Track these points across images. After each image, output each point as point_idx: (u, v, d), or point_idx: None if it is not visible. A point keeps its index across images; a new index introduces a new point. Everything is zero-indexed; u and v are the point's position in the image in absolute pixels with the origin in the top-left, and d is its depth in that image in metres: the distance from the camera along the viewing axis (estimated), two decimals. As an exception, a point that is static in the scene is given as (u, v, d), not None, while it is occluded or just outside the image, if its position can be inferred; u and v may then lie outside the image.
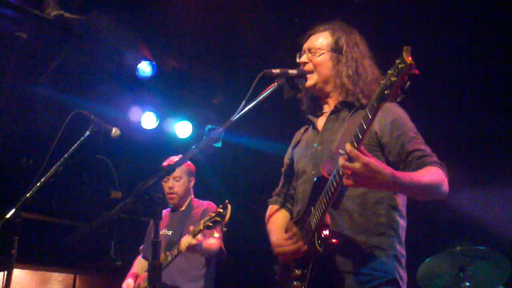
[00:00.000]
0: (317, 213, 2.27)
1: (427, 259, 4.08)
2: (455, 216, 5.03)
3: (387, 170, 2.04)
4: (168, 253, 3.96)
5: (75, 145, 3.18)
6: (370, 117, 1.96)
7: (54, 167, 3.05)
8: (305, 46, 2.67)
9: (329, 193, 2.18)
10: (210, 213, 3.74)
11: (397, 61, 1.83)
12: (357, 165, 1.95)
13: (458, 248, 3.98)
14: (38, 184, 2.97)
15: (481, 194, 5.19)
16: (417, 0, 4.48)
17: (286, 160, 2.84)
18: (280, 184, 2.89)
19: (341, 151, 2.22)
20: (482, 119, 5.12)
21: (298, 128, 2.87)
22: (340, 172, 2.06)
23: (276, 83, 2.48)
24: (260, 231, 2.85)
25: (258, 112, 2.64)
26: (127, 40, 5.22)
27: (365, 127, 1.99)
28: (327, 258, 2.27)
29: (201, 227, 3.73)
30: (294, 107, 2.86)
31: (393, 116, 2.41)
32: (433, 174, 2.23)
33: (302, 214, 2.47)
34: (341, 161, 1.99)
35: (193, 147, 2.30)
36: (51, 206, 5.79)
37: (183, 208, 4.48)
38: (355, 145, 2.01)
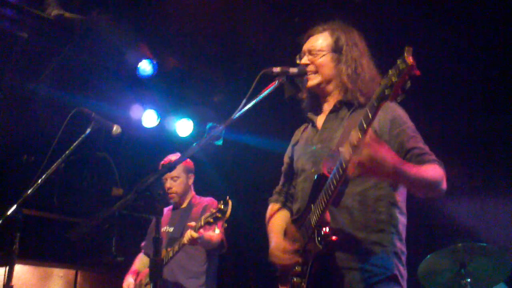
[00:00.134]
0: (317, 211, 2.29)
1: (428, 256, 4.08)
2: (456, 213, 5.05)
3: (395, 159, 2.05)
4: (169, 249, 3.98)
5: (76, 142, 3.19)
6: (370, 116, 1.98)
7: (55, 164, 3.06)
8: (305, 47, 2.69)
9: (331, 186, 2.19)
10: (211, 209, 3.76)
11: (398, 61, 1.84)
12: (363, 155, 1.96)
13: (459, 244, 3.98)
14: (39, 181, 2.98)
15: (479, 197, 5.22)
16: (417, -1, 4.50)
17: (285, 158, 2.86)
18: (281, 182, 2.91)
19: (341, 149, 2.24)
20: (482, 120, 5.14)
21: (299, 126, 2.88)
22: (344, 164, 2.07)
23: (276, 82, 2.50)
24: (261, 228, 2.87)
25: (258, 111, 2.65)
26: (127, 39, 5.23)
27: (365, 126, 2.00)
28: (327, 255, 2.29)
29: (202, 223, 3.75)
30: (295, 105, 2.87)
31: (392, 114, 2.43)
32: (433, 171, 2.25)
33: (302, 212, 2.48)
34: (346, 152, 1.98)
35: (194, 144, 2.32)
36: (53, 203, 5.81)
37: (184, 205, 4.50)
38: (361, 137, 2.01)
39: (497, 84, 4.97)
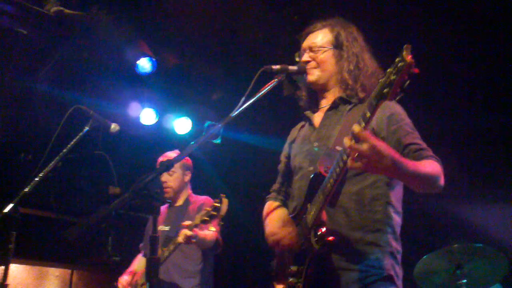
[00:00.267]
0: (314, 210, 2.28)
1: (424, 257, 4.08)
2: (452, 213, 5.04)
3: (393, 154, 2.04)
4: (165, 248, 3.96)
5: (74, 140, 3.17)
6: (368, 115, 1.96)
7: (52, 163, 3.04)
8: (305, 44, 2.67)
9: (328, 185, 2.17)
10: (206, 207, 3.73)
11: (397, 59, 1.82)
12: (364, 146, 1.93)
13: (455, 245, 3.98)
14: (37, 179, 2.96)
15: (477, 197, 5.21)
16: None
17: (282, 157, 2.85)
18: (278, 181, 2.89)
19: (338, 147, 2.22)
20: (480, 118, 5.12)
21: (297, 124, 2.87)
22: (345, 157, 2.05)
23: (276, 79, 2.49)
24: (258, 227, 2.85)
25: (257, 109, 2.64)
26: (126, 36, 5.20)
27: (363, 124, 1.98)
28: (323, 255, 2.28)
29: (197, 222, 3.72)
30: (294, 103, 2.86)
31: (390, 111, 2.42)
32: (431, 167, 2.24)
33: (298, 211, 2.47)
34: (348, 142, 1.96)
35: (192, 143, 2.30)
36: (49, 201, 5.79)
37: (180, 203, 4.48)
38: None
39: (497, 81, 4.96)
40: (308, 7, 4.66)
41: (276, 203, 2.82)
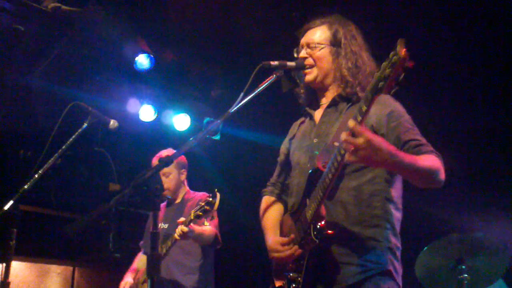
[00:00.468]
0: (313, 205, 2.28)
1: (425, 248, 4.08)
2: (453, 207, 5.06)
3: (390, 147, 2.05)
4: (163, 245, 3.96)
5: (73, 137, 3.17)
6: (364, 108, 1.97)
7: (52, 159, 3.04)
8: (303, 41, 2.67)
9: (326, 180, 2.18)
10: (200, 203, 3.73)
11: (391, 53, 1.83)
12: (360, 140, 1.95)
13: (454, 234, 3.97)
14: (36, 176, 2.97)
15: (477, 192, 5.22)
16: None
17: (282, 149, 2.85)
18: (276, 173, 2.89)
19: (336, 143, 2.23)
20: (481, 112, 5.13)
21: (296, 121, 2.87)
22: (342, 151, 2.06)
23: (274, 75, 2.49)
24: (258, 223, 2.86)
25: (256, 105, 2.64)
26: (125, 32, 5.20)
27: (359, 118, 1.99)
28: (323, 249, 2.29)
29: (192, 217, 3.73)
30: (293, 99, 2.86)
31: (389, 108, 2.42)
32: (430, 161, 2.25)
33: (298, 207, 2.48)
34: (344, 136, 1.98)
35: (191, 139, 2.30)
36: (49, 198, 5.79)
37: (178, 201, 4.49)
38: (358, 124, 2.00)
39: (497, 76, 4.95)
40: (307, 3, 4.65)
41: (272, 198, 2.83)
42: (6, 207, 2.83)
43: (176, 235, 3.81)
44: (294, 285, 2.36)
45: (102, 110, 3.42)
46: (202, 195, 4.38)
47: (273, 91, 2.55)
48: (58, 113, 3.23)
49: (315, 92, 2.71)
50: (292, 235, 2.43)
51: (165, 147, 4.53)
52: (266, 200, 2.84)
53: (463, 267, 4.00)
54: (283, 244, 2.43)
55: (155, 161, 4.42)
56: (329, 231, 2.24)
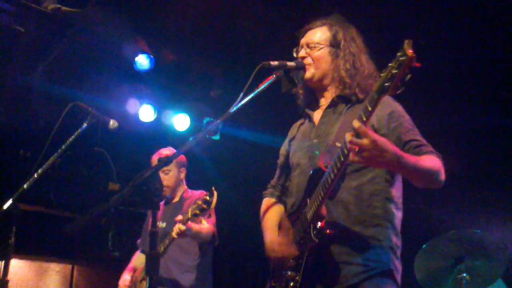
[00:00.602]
0: (313, 205, 2.29)
1: (424, 245, 4.08)
2: (452, 207, 5.06)
3: (394, 149, 2.07)
4: (161, 244, 3.97)
5: (73, 137, 3.18)
6: (370, 109, 1.98)
7: (51, 159, 3.05)
8: (303, 41, 2.68)
9: (328, 179, 2.19)
10: (197, 201, 3.74)
11: (398, 53, 1.85)
12: (365, 141, 1.96)
13: (453, 231, 3.97)
14: (36, 175, 2.97)
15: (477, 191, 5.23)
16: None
17: (282, 151, 2.86)
18: (276, 175, 2.91)
19: (338, 144, 2.24)
20: (481, 114, 5.14)
21: (296, 121, 2.88)
22: (345, 151, 2.07)
23: (274, 75, 2.50)
24: (258, 222, 2.87)
25: (256, 105, 2.65)
26: (124, 33, 5.20)
27: (364, 118, 2.00)
28: (322, 249, 2.30)
29: (189, 216, 3.73)
30: (292, 100, 2.87)
31: (390, 109, 2.44)
32: (432, 162, 2.27)
33: (297, 206, 2.48)
34: (349, 137, 1.99)
35: (190, 139, 2.31)
36: (49, 197, 5.80)
37: (176, 199, 4.49)
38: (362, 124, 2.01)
39: (497, 76, 4.96)
40: (307, 4, 4.66)
41: (273, 200, 2.84)
42: (5, 206, 2.84)
43: (173, 234, 3.82)
44: (292, 284, 2.36)
45: (101, 110, 3.42)
46: (199, 193, 4.38)
47: (273, 91, 2.56)
48: (58, 113, 3.23)
49: (313, 93, 2.72)
50: (291, 235, 2.43)
51: (165, 147, 4.54)
52: (266, 201, 2.86)
53: (462, 266, 4.01)
54: (280, 244, 2.44)
55: (155, 159, 4.44)
56: (328, 231, 2.25)
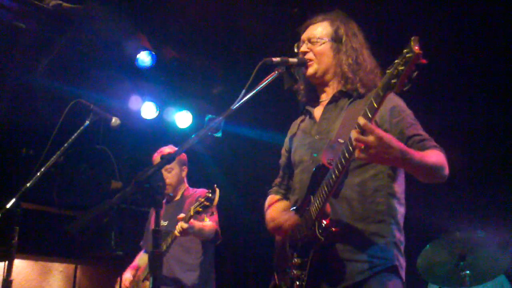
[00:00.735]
0: (317, 202, 2.28)
1: (427, 246, 4.08)
2: (455, 203, 5.05)
3: (400, 145, 2.06)
4: (163, 243, 3.96)
5: (75, 134, 3.17)
6: (376, 106, 1.97)
7: (54, 157, 3.04)
8: (304, 36, 2.67)
9: (333, 177, 2.18)
10: (200, 199, 3.73)
11: (405, 50, 1.84)
12: (371, 138, 1.96)
13: (457, 233, 3.97)
14: (38, 174, 2.96)
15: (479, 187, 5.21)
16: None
17: (283, 151, 2.85)
18: (280, 175, 2.90)
19: (340, 140, 2.23)
20: (482, 113, 5.12)
21: (297, 118, 2.87)
22: (351, 148, 2.06)
23: (276, 72, 2.48)
24: (259, 220, 2.86)
25: (258, 102, 2.64)
26: (126, 30, 5.19)
27: (369, 115, 1.99)
28: (327, 247, 2.29)
29: (192, 213, 3.73)
30: (295, 97, 2.86)
31: (392, 104, 2.43)
32: (436, 156, 2.26)
33: (301, 204, 2.47)
34: (354, 134, 1.99)
35: (192, 136, 2.30)
36: (51, 196, 5.79)
37: (177, 198, 4.49)
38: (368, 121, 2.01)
39: (497, 75, 4.94)
40: (308, 1, 4.64)
41: (278, 197, 2.83)
42: (8, 205, 2.82)
43: (176, 232, 3.81)
44: (298, 283, 2.35)
45: (104, 108, 3.41)
46: (201, 191, 4.37)
47: (275, 88, 2.55)
48: (60, 111, 3.22)
49: (315, 89, 2.71)
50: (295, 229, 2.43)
51: (167, 145, 4.54)
52: (271, 197, 2.85)
53: (465, 263, 4.01)
54: (282, 211, 2.46)
55: (156, 157, 4.43)
56: (334, 229, 2.23)
